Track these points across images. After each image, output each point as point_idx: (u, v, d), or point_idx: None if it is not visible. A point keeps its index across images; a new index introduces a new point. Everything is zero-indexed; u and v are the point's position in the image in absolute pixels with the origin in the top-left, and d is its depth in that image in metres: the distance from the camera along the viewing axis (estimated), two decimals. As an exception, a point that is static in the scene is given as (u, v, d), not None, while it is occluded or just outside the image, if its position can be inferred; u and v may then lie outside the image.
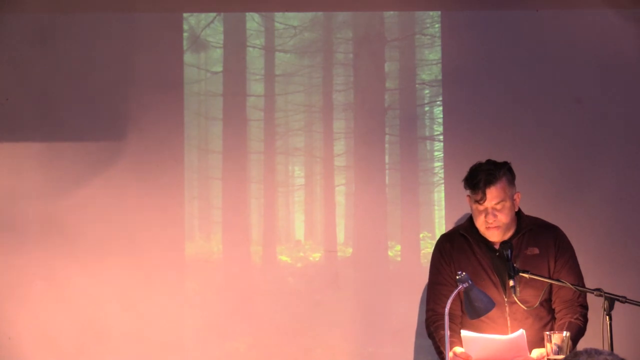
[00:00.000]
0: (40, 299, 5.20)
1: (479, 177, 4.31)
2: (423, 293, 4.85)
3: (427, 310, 4.49)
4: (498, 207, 4.31)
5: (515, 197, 4.39)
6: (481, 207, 4.33)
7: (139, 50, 5.29)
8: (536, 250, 4.41)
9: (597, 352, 2.43)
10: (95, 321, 5.21)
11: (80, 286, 5.21)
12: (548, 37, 5.30)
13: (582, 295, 4.34)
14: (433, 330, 4.41)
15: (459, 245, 4.46)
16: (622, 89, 5.30)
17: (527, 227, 4.43)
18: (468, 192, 4.39)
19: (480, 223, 4.36)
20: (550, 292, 4.39)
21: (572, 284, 4.21)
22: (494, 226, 4.33)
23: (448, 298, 3.99)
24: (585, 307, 4.39)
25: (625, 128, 5.30)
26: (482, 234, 4.40)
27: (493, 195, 4.30)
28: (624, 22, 5.28)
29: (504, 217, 4.33)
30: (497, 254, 4.39)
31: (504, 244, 4.32)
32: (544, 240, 4.43)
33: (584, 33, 5.30)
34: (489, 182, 4.29)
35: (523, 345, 4.11)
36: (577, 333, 4.29)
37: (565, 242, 4.48)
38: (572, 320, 4.30)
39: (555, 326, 4.34)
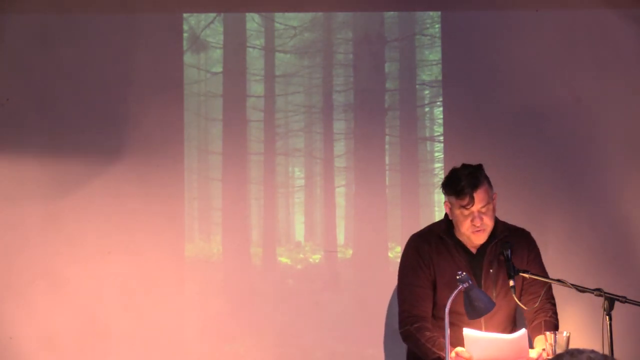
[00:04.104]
0: (41, 299, 5.20)
1: (463, 182, 4.29)
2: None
3: (402, 312, 4.43)
4: (484, 210, 4.30)
5: (494, 197, 4.40)
6: (467, 212, 4.30)
7: (139, 50, 5.29)
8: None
9: (579, 351, 2.52)
10: (96, 321, 5.20)
11: (81, 286, 5.21)
12: (548, 37, 5.30)
13: (550, 290, 4.39)
14: (414, 332, 4.35)
15: (437, 248, 4.44)
16: (622, 89, 5.31)
17: (502, 232, 4.43)
18: (451, 198, 4.35)
19: (466, 227, 4.33)
20: (521, 290, 4.42)
21: (563, 283, 4.22)
22: (482, 229, 4.32)
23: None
24: (553, 303, 4.44)
25: (625, 127, 5.30)
26: (467, 238, 4.39)
27: (480, 198, 4.28)
28: (624, 22, 5.29)
29: (489, 220, 4.33)
30: (475, 255, 4.42)
31: (504, 244, 4.34)
32: (517, 245, 4.43)
33: (584, 33, 5.30)
34: (475, 186, 4.27)
35: (525, 346, 4.12)
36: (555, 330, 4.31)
37: (535, 246, 4.53)
38: (547, 318, 4.34)
39: (531, 327, 4.36)
